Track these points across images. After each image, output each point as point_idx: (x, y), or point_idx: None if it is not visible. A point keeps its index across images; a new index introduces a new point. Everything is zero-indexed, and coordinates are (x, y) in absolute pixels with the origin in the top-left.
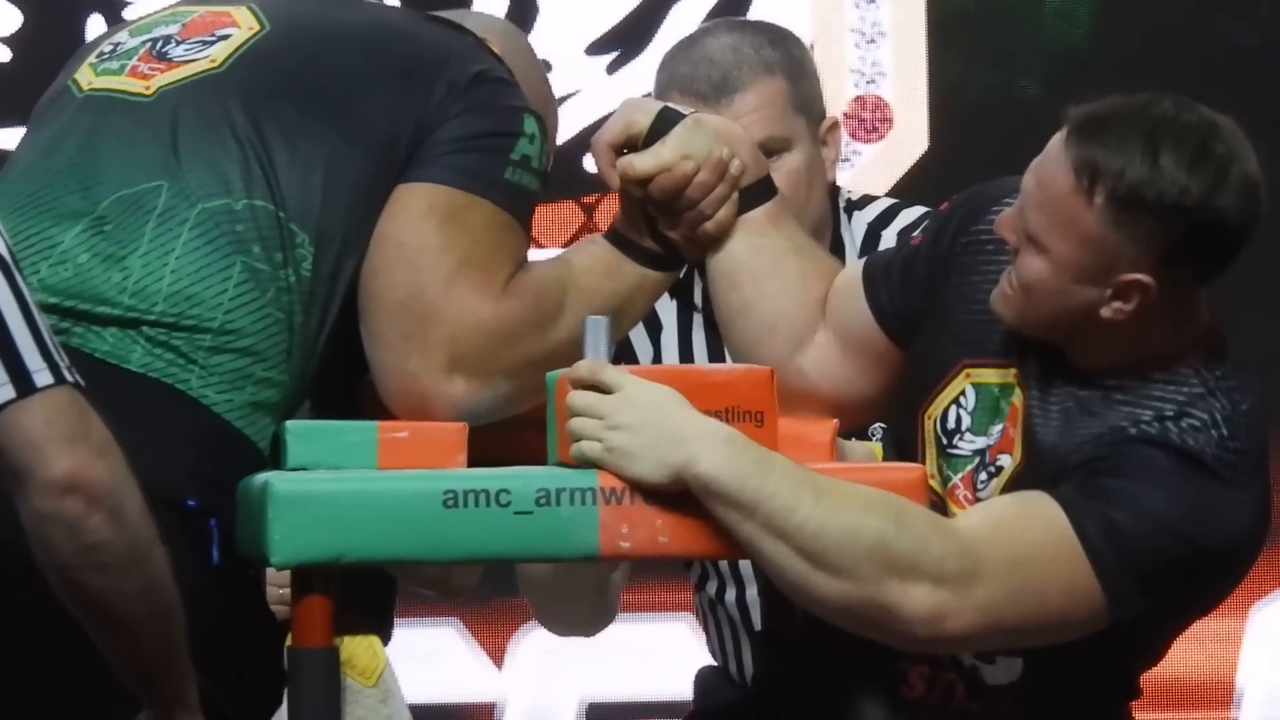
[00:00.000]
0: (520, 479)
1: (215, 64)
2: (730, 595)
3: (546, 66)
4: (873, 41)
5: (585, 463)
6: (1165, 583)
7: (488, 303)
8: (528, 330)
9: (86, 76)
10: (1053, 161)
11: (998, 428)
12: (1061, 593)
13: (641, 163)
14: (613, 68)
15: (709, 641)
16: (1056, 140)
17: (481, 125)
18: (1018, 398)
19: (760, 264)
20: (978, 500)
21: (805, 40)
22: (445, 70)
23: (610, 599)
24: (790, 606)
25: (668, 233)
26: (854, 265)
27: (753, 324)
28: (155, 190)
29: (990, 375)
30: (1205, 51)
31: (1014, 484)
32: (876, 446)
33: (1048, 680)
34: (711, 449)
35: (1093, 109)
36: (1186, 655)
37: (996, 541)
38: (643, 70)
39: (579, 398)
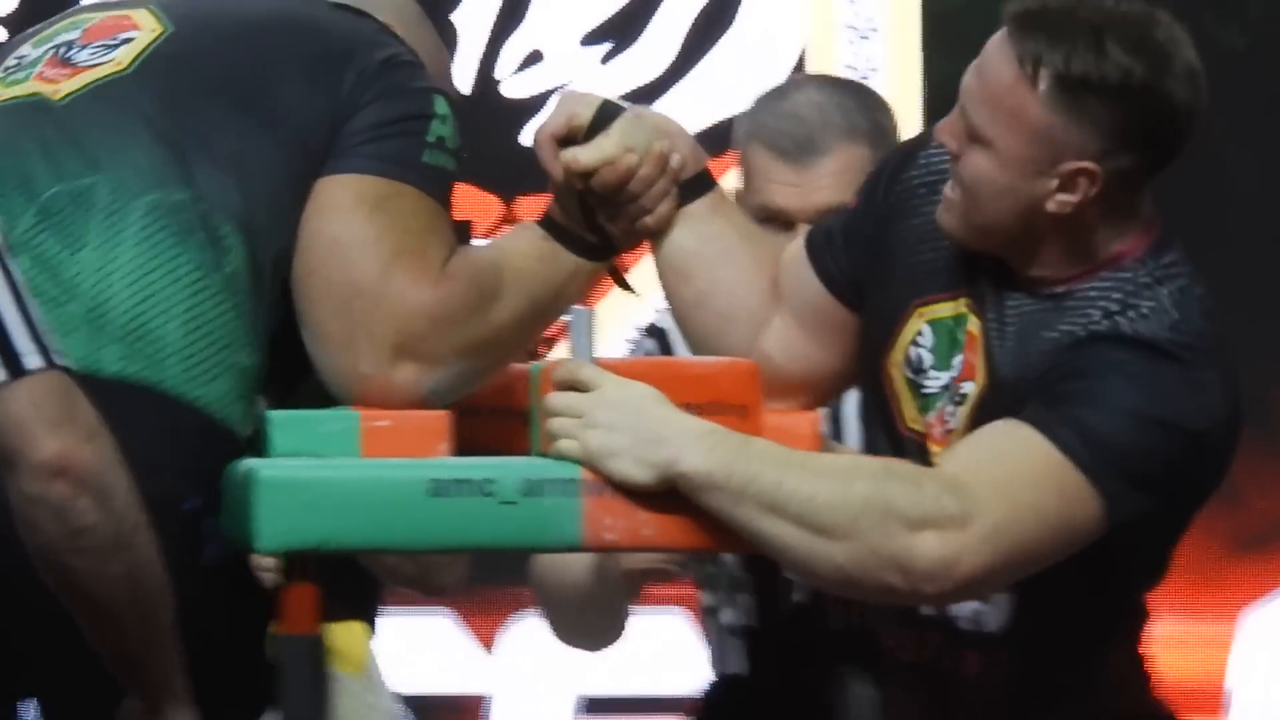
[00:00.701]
0: (505, 469)
1: (122, 67)
2: (727, 617)
3: (539, 57)
4: (866, 38)
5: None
6: (1150, 470)
7: (426, 288)
8: (469, 312)
9: None
10: (994, 56)
11: (958, 358)
12: (1057, 503)
13: (585, 156)
14: (606, 59)
15: (708, 645)
16: (996, 37)
17: (394, 111)
18: (973, 324)
19: (710, 253)
20: (949, 433)
21: (799, 38)
22: (353, 58)
23: (626, 611)
24: (775, 599)
25: (605, 224)
26: (796, 242)
27: (710, 314)
28: (93, 186)
29: (942, 309)
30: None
31: (980, 408)
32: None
33: (1042, 619)
34: (691, 445)
35: (1029, 2)
36: (1176, 660)
37: (981, 472)
38: (636, 61)
39: (557, 398)
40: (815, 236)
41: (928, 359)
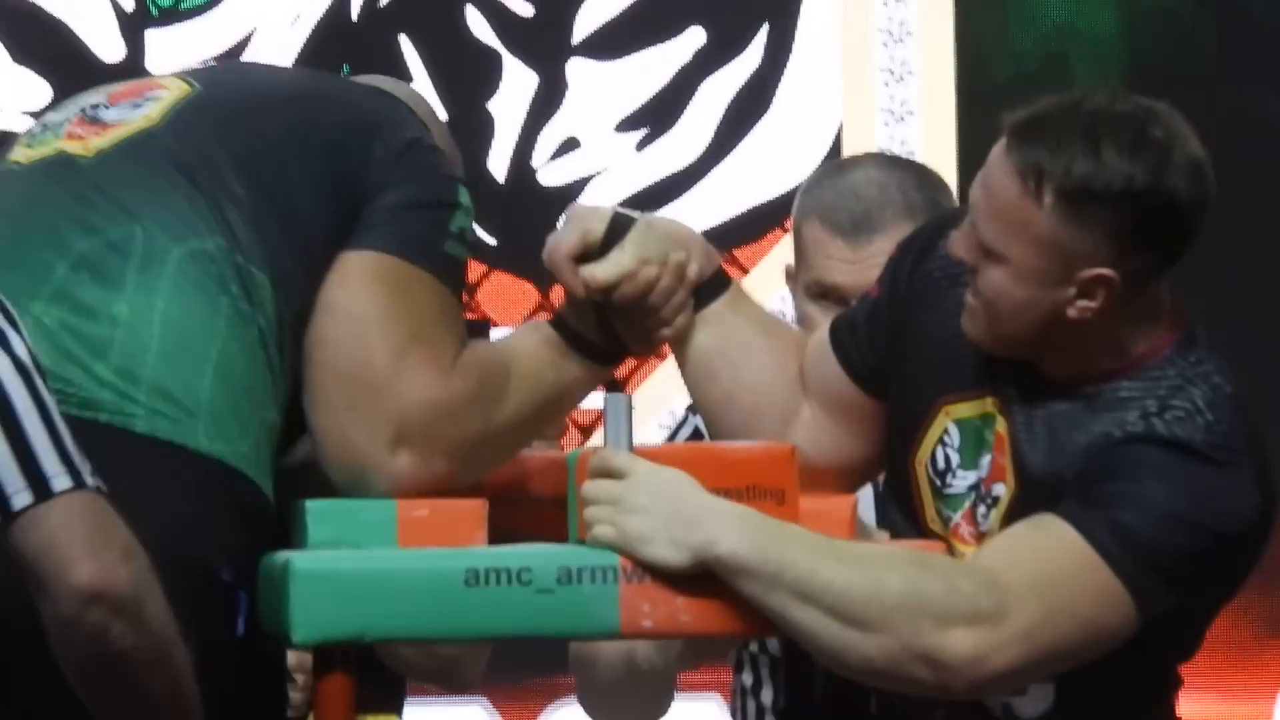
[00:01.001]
0: (541, 557)
1: (152, 121)
2: (767, 696)
3: (575, 144)
4: (902, 120)
5: (602, 548)
6: (1186, 573)
7: (437, 380)
8: (473, 410)
9: (21, 154)
10: (997, 170)
11: (986, 459)
12: (1091, 604)
13: (603, 272)
14: (642, 145)
15: None
16: (997, 149)
17: (421, 195)
18: (1000, 425)
19: (732, 352)
20: (981, 535)
21: (835, 121)
22: (380, 134)
23: (669, 692)
24: (812, 678)
25: (622, 333)
26: (821, 330)
27: (738, 413)
28: (129, 235)
29: (968, 409)
30: (1235, 123)
31: (1013, 510)
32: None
33: (1082, 700)
34: (727, 527)
35: (1028, 113)
36: None
37: (1018, 569)
38: (671, 147)
39: (592, 486)
40: (838, 326)
41: (954, 459)
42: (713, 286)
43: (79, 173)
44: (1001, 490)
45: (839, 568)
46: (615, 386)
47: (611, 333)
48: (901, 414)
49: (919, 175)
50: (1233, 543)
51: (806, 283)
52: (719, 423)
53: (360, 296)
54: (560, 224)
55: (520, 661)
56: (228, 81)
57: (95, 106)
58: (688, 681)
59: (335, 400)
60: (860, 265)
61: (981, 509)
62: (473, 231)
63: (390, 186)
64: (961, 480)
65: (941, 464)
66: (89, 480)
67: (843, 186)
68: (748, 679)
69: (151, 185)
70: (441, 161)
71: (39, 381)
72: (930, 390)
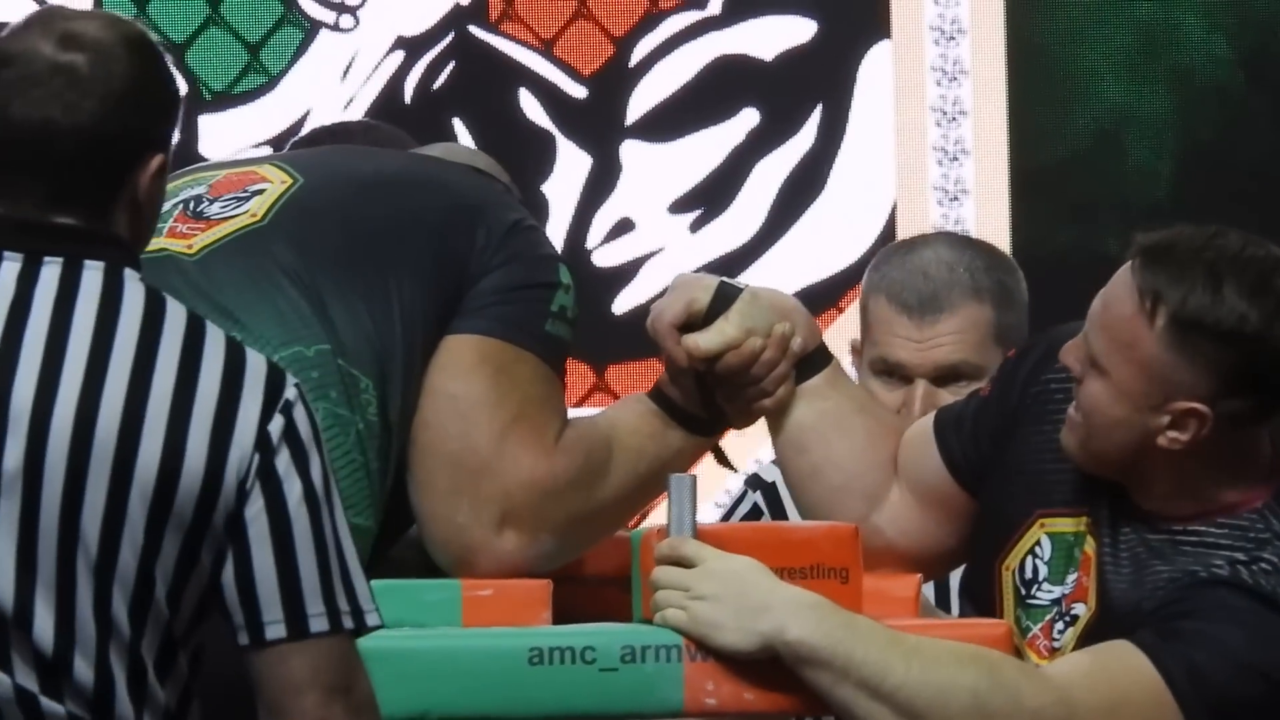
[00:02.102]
0: (605, 636)
1: (256, 218)
2: None
3: (629, 225)
4: (956, 199)
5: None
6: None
7: (541, 459)
8: (577, 488)
9: None
10: (1119, 286)
11: (1073, 576)
12: None
13: (707, 341)
14: (696, 225)
15: None
16: (1125, 267)
17: (523, 276)
18: (1090, 545)
19: (826, 427)
20: (1054, 650)
21: (889, 200)
22: (484, 218)
23: None
24: None
25: (722, 403)
26: (924, 419)
27: (824, 487)
28: None
29: (1064, 524)
30: None
31: (1089, 633)
32: None
33: None
34: (798, 615)
35: (1159, 237)
36: None
37: (1088, 689)
38: (726, 228)
39: (662, 573)
40: (944, 418)
41: (1043, 571)
42: (814, 361)
43: (183, 273)
44: (1081, 610)
45: (909, 670)
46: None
47: (711, 404)
48: (995, 518)
49: (989, 257)
50: None
51: (871, 359)
52: (804, 494)
53: (463, 380)
54: (666, 293)
55: None
56: (329, 171)
57: (198, 200)
58: None
59: (440, 484)
60: (925, 344)
61: (1059, 625)
62: (574, 309)
63: (492, 270)
64: (1046, 594)
65: (1029, 574)
66: (346, 624)
67: (912, 265)
68: None
69: (256, 288)
70: (541, 241)
71: (325, 510)
72: (1029, 499)
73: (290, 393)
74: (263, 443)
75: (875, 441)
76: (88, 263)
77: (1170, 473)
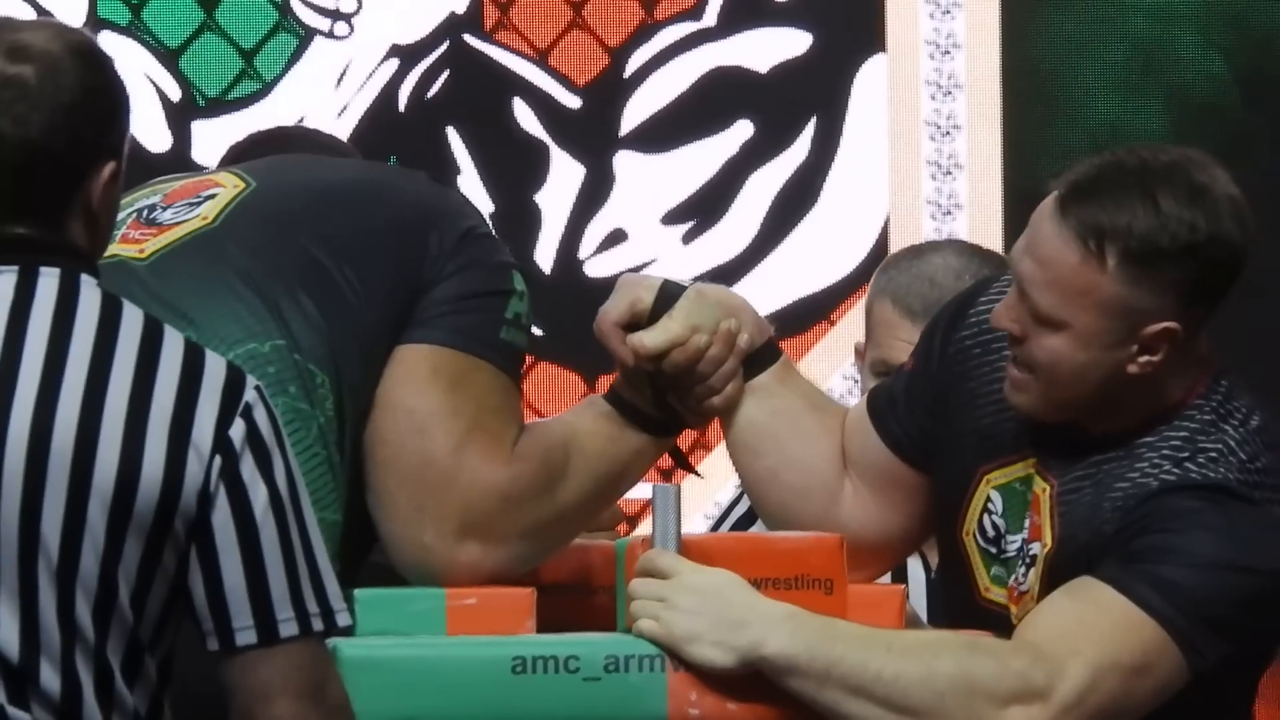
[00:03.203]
0: (589, 646)
1: (208, 221)
2: None
3: (622, 237)
4: (949, 214)
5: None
6: (1237, 618)
7: (499, 467)
8: (536, 493)
9: None
10: (1050, 237)
11: (1027, 520)
12: (1140, 661)
13: (652, 339)
14: (688, 237)
15: None
16: (1046, 216)
17: (476, 284)
18: (1039, 485)
19: (780, 427)
20: (1022, 595)
21: (882, 214)
22: (437, 224)
23: None
24: None
25: (674, 403)
26: (858, 405)
27: (784, 489)
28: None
29: (1009, 474)
30: None
31: (1050, 567)
32: None
33: None
34: (774, 628)
35: (1074, 176)
36: None
37: (1064, 638)
38: (718, 240)
39: (639, 585)
40: (877, 400)
41: (1001, 525)
42: (762, 357)
43: (134, 277)
44: (1037, 549)
45: (888, 658)
46: (667, 475)
47: (666, 404)
48: (945, 488)
49: (996, 267)
50: (1277, 578)
51: (873, 360)
52: (763, 498)
53: (419, 393)
54: (612, 293)
55: None
56: (283, 176)
57: (152, 209)
58: None
59: (401, 502)
60: None
61: (1021, 569)
62: (529, 316)
63: (446, 278)
64: (1012, 544)
65: (991, 532)
66: (316, 626)
67: (919, 270)
68: None
69: (207, 288)
70: (496, 248)
71: (291, 512)
72: (971, 461)
73: (250, 395)
74: (224, 448)
75: (830, 436)
76: (43, 270)
77: (1134, 393)
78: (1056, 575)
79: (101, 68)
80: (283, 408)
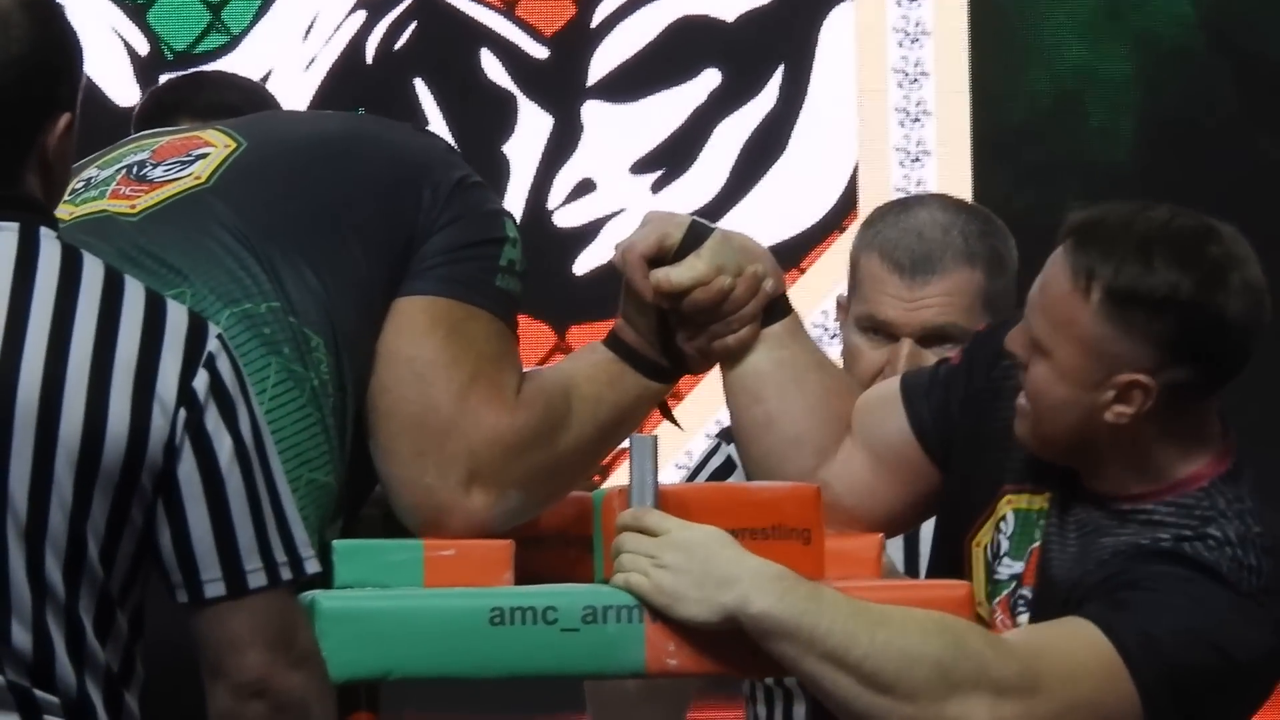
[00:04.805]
0: (566, 596)
1: (201, 180)
2: (778, 713)
3: (590, 186)
4: (917, 160)
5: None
6: (1193, 689)
7: (503, 415)
8: (540, 440)
9: (65, 211)
10: (1054, 268)
11: (1030, 555)
12: (1111, 704)
13: (678, 275)
14: (657, 186)
15: None
16: (1059, 249)
17: (470, 234)
18: (1044, 525)
19: (783, 378)
20: (1015, 624)
21: (850, 162)
22: (429, 176)
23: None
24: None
25: (683, 345)
26: (888, 383)
27: (776, 438)
28: (179, 296)
29: (1027, 501)
30: (1249, 166)
31: (1031, 611)
32: None
33: None
34: (761, 588)
35: (1088, 215)
36: None
37: (1048, 659)
38: (687, 188)
39: (626, 540)
40: (913, 383)
41: (1005, 545)
42: (777, 308)
43: (123, 233)
44: (1029, 592)
45: (873, 637)
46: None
47: (669, 348)
48: (963, 493)
49: (984, 223)
50: (1242, 670)
51: (858, 315)
52: (754, 443)
53: (418, 342)
54: (639, 227)
55: (535, 700)
56: (272, 133)
57: (141, 165)
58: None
59: (404, 448)
60: (914, 304)
61: (1019, 605)
62: (523, 261)
63: (439, 229)
64: (1007, 568)
65: (995, 549)
66: (284, 575)
67: (906, 224)
68: (762, 712)
69: (202, 247)
70: (487, 197)
71: (256, 462)
72: (998, 476)
73: (213, 344)
74: (188, 399)
75: (830, 398)
76: (1, 224)
77: (1119, 449)
78: (1035, 619)
79: (52, 18)
80: (276, 368)
